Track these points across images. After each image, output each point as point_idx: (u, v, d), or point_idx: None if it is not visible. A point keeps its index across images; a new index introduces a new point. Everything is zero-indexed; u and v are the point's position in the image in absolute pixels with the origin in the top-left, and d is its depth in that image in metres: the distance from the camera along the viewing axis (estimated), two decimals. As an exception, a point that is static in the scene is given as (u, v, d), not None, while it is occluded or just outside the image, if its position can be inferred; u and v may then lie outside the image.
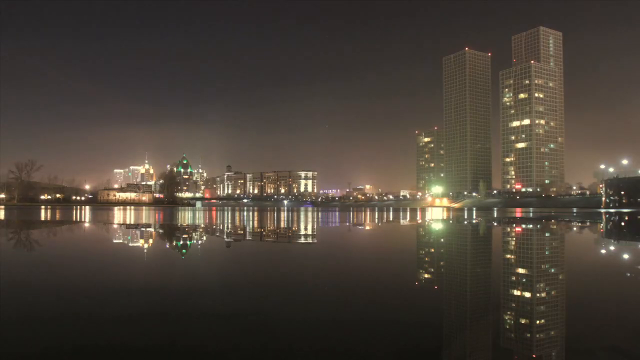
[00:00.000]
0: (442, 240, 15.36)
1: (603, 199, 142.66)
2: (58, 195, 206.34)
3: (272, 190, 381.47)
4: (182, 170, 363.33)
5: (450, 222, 29.40)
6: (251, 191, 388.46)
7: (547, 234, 17.88)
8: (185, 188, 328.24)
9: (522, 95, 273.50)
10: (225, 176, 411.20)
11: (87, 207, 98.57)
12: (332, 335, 3.80)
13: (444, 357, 3.43)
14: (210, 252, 10.87)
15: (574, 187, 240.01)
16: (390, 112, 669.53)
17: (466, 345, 3.72)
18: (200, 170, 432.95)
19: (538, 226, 23.20)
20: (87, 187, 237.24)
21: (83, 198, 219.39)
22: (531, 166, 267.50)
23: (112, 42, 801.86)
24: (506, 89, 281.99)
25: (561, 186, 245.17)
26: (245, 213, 50.42)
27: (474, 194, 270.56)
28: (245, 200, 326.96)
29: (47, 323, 4.12)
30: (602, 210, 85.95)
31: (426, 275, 7.30)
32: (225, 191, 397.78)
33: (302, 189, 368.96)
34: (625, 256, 10.44)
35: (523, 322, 4.50)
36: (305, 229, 20.34)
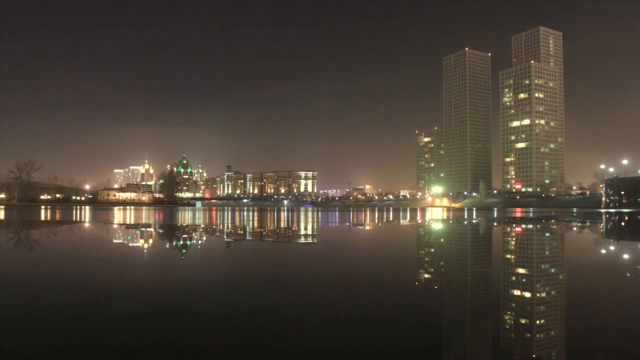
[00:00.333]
0: (442, 240, 15.36)
1: (603, 199, 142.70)
2: (58, 195, 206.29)
3: (272, 190, 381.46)
4: (182, 170, 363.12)
5: (450, 222, 29.40)
6: (251, 191, 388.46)
7: (547, 234, 17.88)
8: (185, 188, 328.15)
9: (522, 95, 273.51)
10: (225, 176, 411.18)
11: (87, 207, 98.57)
12: (332, 335, 3.80)
13: (444, 357, 3.43)
14: (210, 252, 10.87)
15: (574, 187, 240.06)
16: (390, 112, 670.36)
17: (466, 345, 3.72)
18: (200, 170, 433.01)
19: (538, 226, 23.20)
20: (87, 187, 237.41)
21: (83, 198, 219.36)
22: (531, 166, 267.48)
23: (112, 43, 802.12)
24: (506, 89, 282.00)
25: (561, 186, 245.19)
26: (245, 213, 50.42)
27: (474, 194, 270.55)
28: (245, 200, 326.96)
29: (47, 323, 4.12)
30: (602, 210, 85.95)
31: (426, 275, 7.30)
32: (225, 191, 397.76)
33: (302, 189, 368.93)
34: (625, 256, 10.44)
35: (523, 322, 4.50)
36: (305, 229, 20.34)
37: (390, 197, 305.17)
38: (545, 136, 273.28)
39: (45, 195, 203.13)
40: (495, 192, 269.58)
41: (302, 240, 14.44)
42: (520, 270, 7.90)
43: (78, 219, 30.43)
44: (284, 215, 42.44)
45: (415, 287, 6.29)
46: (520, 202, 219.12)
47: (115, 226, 21.41)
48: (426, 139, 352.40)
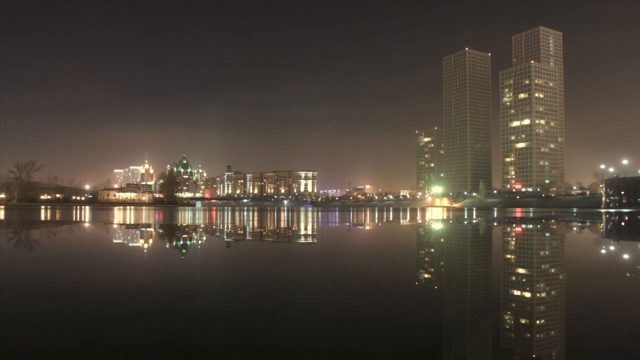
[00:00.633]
0: (442, 240, 15.36)
1: (603, 199, 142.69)
2: (58, 195, 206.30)
3: (272, 190, 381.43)
4: (182, 170, 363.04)
5: (450, 222, 29.40)
6: (251, 191, 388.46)
7: (547, 234, 17.88)
8: (185, 188, 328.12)
9: (522, 95, 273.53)
10: (225, 176, 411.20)
11: (87, 207, 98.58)
12: (333, 335, 3.80)
13: (444, 356, 3.43)
14: (210, 252, 10.87)
15: (574, 187, 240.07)
16: (390, 112, 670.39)
17: (466, 345, 3.71)
18: (200, 170, 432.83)
19: (538, 226, 23.20)
20: (87, 187, 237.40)
21: (83, 198, 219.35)
22: (531, 166, 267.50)
23: (112, 43, 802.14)
24: (506, 89, 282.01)
25: (561, 186, 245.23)
26: (245, 213, 50.42)
27: (474, 194, 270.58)
28: (245, 200, 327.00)
29: (47, 322, 4.12)
30: (602, 210, 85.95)
31: (426, 275, 7.30)
32: (225, 191, 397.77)
33: (302, 189, 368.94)
34: (625, 256, 10.44)
35: (523, 322, 4.50)
36: (305, 229, 20.34)
37: (390, 197, 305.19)
38: (545, 136, 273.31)
39: (45, 195, 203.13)
40: (495, 192, 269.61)
41: (302, 240, 14.44)
42: (520, 270, 7.90)
43: (78, 219, 30.43)
44: (284, 215, 42.45)
45: (415, 287, 6.28)
46: (520, 202, 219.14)
47: (115, 226, 21.41)
48: (426, 139, 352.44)
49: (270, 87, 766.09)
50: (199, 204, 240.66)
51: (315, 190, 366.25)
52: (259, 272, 7.39)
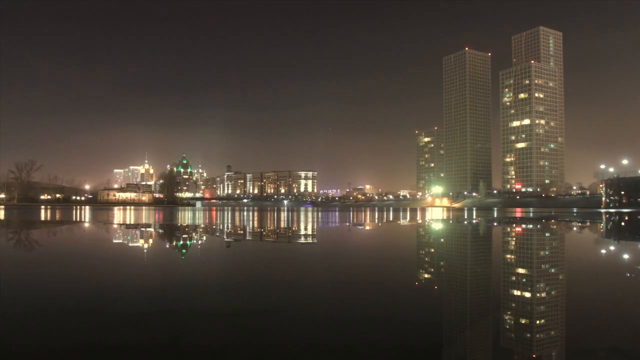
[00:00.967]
0: (442, 240, 15.36)
1: (603, 199, 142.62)
2: (58, 195, 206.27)
3: (272, 190, 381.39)
4: (182, 170, 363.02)
5: (450, 222, 29.40)
6: (251, 191, 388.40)
7: (547, 234, 17.88)
8: (185, 188, 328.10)
9: (522, 95, 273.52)
10: (225, 176, 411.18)
11: (87, 207, 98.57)
12: (333, 335, 3.80)
13: (444, 356, 3.43)
14: (210, 252, 10.87)
15: (574, 187, 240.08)
16: (390, 112, 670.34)
17: (466, 345, 3.71)
18: (200, 170, 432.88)
19: (538, 226, 23.19)
20: (87, 187, 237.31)
21: (83, 198, 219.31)
22: (531, 166, 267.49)
23: (112, 42, 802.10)
24: (506, 89, 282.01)
25: (561, 186, 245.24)
26: (245, 213, 50.42)
27: (474, 194, 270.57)
28: (245, 200, 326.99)
29: (48, 322, 4.12)
30: (602, 210, 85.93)
31: (426, 275, 7.30)
32: (225, 191, 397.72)
33: (302, 189, 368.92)
34: (625, 256, 10.44)
35: (523, 322, 4.50)
36: (305, 229, 20.34)
37: (390, 197, 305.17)
38: (545, 136, 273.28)
39: (45, 195, 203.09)
40: (495, 192, 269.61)
41: (302, 240, 14.44)
42: (520, 270, 7.90)
43: (78, 219, 30.43)
44: (284, 215, 42.44)
45: (415, 287, 6.28)
46: (520, 202, 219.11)
47: (115, 226, 21.41)
48: (426, 139, 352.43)
49: (270, 87, 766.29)
50: (199, 204, 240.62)
51: (315, 190, 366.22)
52: (259, 272, 7.39)
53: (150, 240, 13.57)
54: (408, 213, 55.09)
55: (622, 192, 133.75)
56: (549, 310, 5.05)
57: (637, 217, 42.32)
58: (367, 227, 22.42)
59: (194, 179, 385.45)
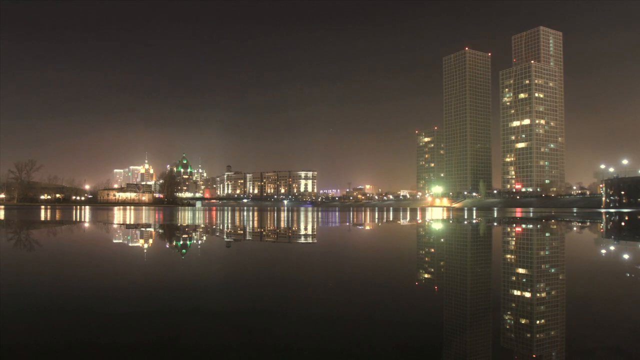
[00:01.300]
0: (442, 240, 15.35)
1: (603, 198, 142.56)
2: (58, 195, 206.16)
3: (272, 190, 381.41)
4: (182, 170, 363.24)
5: (450, 222, 29.39)
6: (251, 191, 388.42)
7: (547, 234, 17.87)
8: (185, 188, 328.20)
9: (522, 95, 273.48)
10: (225, 176, 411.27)
11: (87, 207, 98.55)
12: (333, 335, 3.80)
13: (444, 356, 3.43)
14: (210, 252, 10.86)
15: (574, 187, 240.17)
16: (390, 112, 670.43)
17: (466, 345, 3.72)
18: (200, 170, 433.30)
19: (538, 226, 23.19)
20: (87, 187, 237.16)
21: (83, 198, 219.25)
22: (531, 166, 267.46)
23: (112, 42, 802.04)
24: (506, 89, 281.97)
25: (561, 186, 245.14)
26: (245, 213, 50.40)
27: (474, 194, 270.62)
28: (245, 200, 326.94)
29: (48, 322, 4.13)
30: (602, 210, 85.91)
31: (426, 275, 7.29)
32: (225, 191, 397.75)
33: (302, 189, 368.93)
34: (625, 256, 10.44)
35: (523, 322, 4.50)
36: (305, 229, 20.33)
37: (390, 197, 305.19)
38: (545, 136, 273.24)
39: (45, 195, 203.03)
40: (495, 192, 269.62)
41: (302, 240, 14.43)
42: (521, 270, 7.89)
43: (78, 219, 30.42)
44: (283, 215, 42.44)
45: (416, 287, 6.28)
46: (521, 202, 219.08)
47: (115, 226, 21.40)
48: (426, 139, 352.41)
49: (270, 87, 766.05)
50: (199, 204, 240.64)
51: (315, 190, 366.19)
52: (259, 271, 7.39)
53: (150, 241, 13.56)
54: (408, 213, 55.08)
55: (622, 192, 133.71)
56: (549, 310, 5.05)
57: (637, 217, 42.31)
58: (367, 227, 22.42)
59: (194, 179, 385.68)
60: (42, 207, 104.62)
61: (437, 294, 5.80)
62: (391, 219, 34.55)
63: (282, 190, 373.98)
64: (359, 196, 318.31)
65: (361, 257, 9.77)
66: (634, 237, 17.16)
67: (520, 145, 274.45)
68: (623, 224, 27.87)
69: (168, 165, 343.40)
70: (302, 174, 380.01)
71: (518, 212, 59.76)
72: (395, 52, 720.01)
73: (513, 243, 13.66)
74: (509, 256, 10.19)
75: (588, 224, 26.69)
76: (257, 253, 10.89)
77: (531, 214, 49.48)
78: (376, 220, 31.44)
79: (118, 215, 37.76)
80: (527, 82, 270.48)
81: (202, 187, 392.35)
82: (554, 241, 14.50)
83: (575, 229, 21.89)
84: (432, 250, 11.71)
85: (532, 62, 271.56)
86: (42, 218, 32.15)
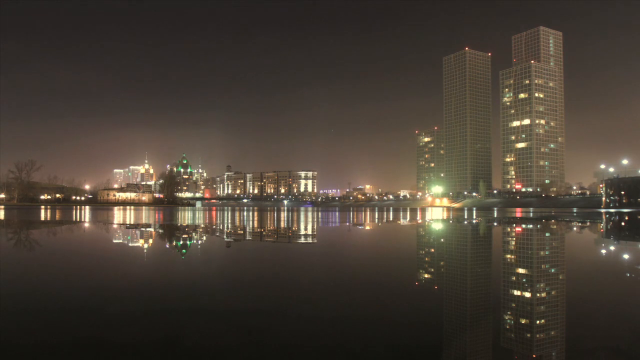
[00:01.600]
0: (442, 240, 15.35)
1: (603, 199, 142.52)
2: (58, 195, 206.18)
3: (272, 190, 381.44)
4: (182, 170, 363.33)
5: (450, 222, 29.39)
6: (251, 191, 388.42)
7: (547, 234, 17.87)
8: (185, 188, 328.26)
9: (522, 95, 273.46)
10: (225, 176, 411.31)
11: (87, 207, 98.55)
12: (332, 335, 3.80)
13: (444, 356, 3.43)
14: (210, 252, 10.86)
15: (574, 187, 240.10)
16: (390, 112, 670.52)
17: (466, 345, 3.72)
18: (200, 170, 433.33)
19: (538, 226, 23.19)
20: (87, 187, 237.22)
21: (83, 198, 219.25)
22: (531, 166, 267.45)
23: (113, 42, 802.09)
24: (506, 89, 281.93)
25: (561, 186, 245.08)
26: (245, 213, 50.40)
27: (474, 194, 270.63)
28: (245, 200, 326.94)
29: (47, 321, 4.13)
30: (603, 210, 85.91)
31: (426, 275, 7.29)
32: (225, 191, 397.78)
33: (302, 189, 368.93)
34: (625, 256, 10.44)
35: (523, 322, 4.50)
36: (305, 229, 20.33)
37: (390, 197, 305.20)
38: (545, 136, 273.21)
39: (45, 195, 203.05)
40: (495, 192, 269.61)
41: (302, 240, 14.43)
42: (521, 270, 7.89)
43: (78, 219, 30.42)
44: (283, 215, 42.44)
45: (416, 287, 6.28)
46: (521, 202, 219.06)
47: (115, 226, 21.40)
48: (426, 139, 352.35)
49: (270, 87, 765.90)
50: (199, 204, 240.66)
51: (315, 190, 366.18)
52: (259, 271, 7.38)
53: (150, 241, 13.56)
54: (408, 213, 55.08)
55: (622, 192, 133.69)
56: (549, 310, 5.04)
57: (637, 217, 42.31)
58: (367, 228, 22.42)
59: (194, 179, 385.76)
60: (42, 207, 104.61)
61: (437, 293, 5.80)
62: (391, 219, 34.54)
63: (282, 190, 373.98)
64: (359, 196, 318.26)
65: (361, 257, 9.77)
66: (634, 237, 17.15)
67: (520, 145, 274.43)
68: (623, 224, 27.87)
69: (168, 165, 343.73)
70: (302, 174, 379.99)
71: (518, 212, 59.76)
72: (395, 52, 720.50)
73: (513, 243, 13.66)
74: (509, 256, 10.18)
75: (588, 224, 26.69)
76: (257, 253, 10.89)
77: (531, 214, 49.48)
78: (376, 220, 31.44)
79: (118, 216, 37.76)
80: (527, 82, 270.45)
81: (202, 187, 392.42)
82: (554, 241, 14.49)
83: (575, 229, 21.89)
84: (432, 250, 11.71)
85: (532, 62, 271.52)
86: (42, 218, 32.15)
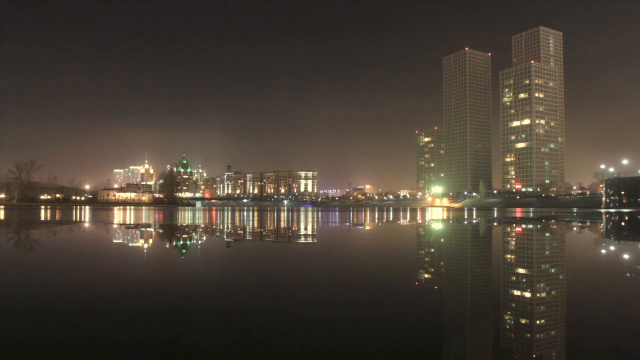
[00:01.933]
0: (442, 240, 15.34)
1: (603, 198, 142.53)
2: (58, 195, 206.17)
3: (272, 190, 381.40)
4: (182, 170, 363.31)
5: (450, 222, 29.39)
6: (251, 191, 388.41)
7: (547, 234, 17.87)
8: (185, 188, 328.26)
9: (522, 95, 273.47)
10: (225, 176, 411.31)
11: (87, 207, 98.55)
12: (332, 335, 3.80)
13: (444, 356, 3.43)
14: (210, 252, 10.86)
15: (574, 187, 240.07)
16: (390, 112, 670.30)
17: (466, 345, 3.72)
18: (200, 170, 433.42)
19: (538, 226, 23.18)
20: (87, 187, 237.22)
21: (83, 198, 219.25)
22: (531, 166, 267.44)
23: (113, 42, 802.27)
24: (506, 89, 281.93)
25: (561, 186, 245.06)
26: (245, 213, 50.40)
27: (474, 194, 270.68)
28: (245, 200, 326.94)
29: (47, 321, 4.13)
30: (603, 210, 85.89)
31: (426, 275, 7.29)
32: (225, 191, 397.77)
33: (302, 189, 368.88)
34: (625, 256, 10.43)
35: (523, 322, 4.49)
36: (305, 229, 20.33)
37: (390, 197, 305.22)
38: (545, 136, 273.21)
39: (45, 195, 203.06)
40: (495, 192, 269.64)
41: (302, 240, 14.43)
42: (521, 271, 7.89)
43: (78, 219, 30.42)
44: (283, 215, 42.43)
45: (416, 287, 6.28)
46: (521, 202, 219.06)
47: (115, 226, 21.40)
48: (426, 139, 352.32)
49: (270, 87, 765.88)
50: (199, 204, 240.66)
51: (315, 190, 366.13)
52: (259, 271, 7.38)
53: (150, 241, 13.56)
54: (408, 213, 55.08)
55: (622, 192, 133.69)
56: (549, 310, 5.04)
57: (637, 217, 42.30)
58: (367, 227, 22.41)
59: (194, 179, 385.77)
60: (42, 207, 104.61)
61: (437, 293, 5.80)
62: (391, 219, 34.54)
63: (282, 190, 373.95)
64: (359, 196, 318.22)
65: (361, 257, 9.77)
66: (634, 237, 17.15)
67: (520, 145, 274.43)
68: (623, 224, 27.87)
69: (168, 165, 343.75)
70: (302, 174, 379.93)
71: (518, 212, 59.76)
72: (396, 52, 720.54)
73: (513, 243, 13.66)
74: (509, 256, 10.18)
75: (588, 224, 26.69)
76: (257, 253, 10.89)
77: (531, 214, 49.48)
78: (376, 220, 31.44)
79: (118, 215, 37.76)
80: (527, 82, 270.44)
81: (202, 187, 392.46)
82: (554, 241, 14.49)
83: (575, 229, 21.89)
84: (432, 250, 11.71)
85: (532, 62, 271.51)
86: (42, 218, 32.15)
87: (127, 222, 25.53)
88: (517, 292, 5.95)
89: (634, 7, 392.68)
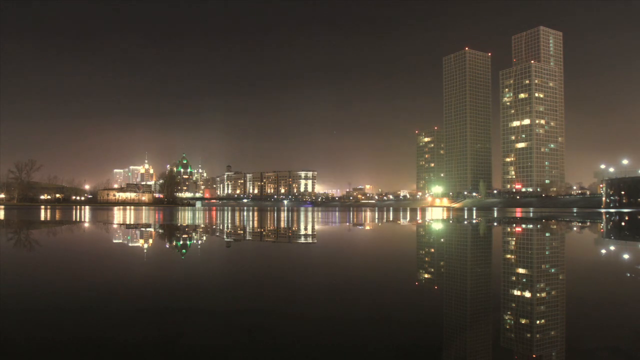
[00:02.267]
0: (442, 240, 15.34)
1: (603, 199, 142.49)
2: (58, 195, 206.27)
3: (272, 190, 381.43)
4: (182, 170, 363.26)
5: (450, 222, 29.39)
6: (251, 191, 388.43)
7: (547, 234, 17.87)
8: (185, 188, 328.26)
9: (522, 95, 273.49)
10: (225, 176, 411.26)
11: (87, 207, 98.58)
12: (332, 335, 3.80)
13: (444, 356, 3.43)
14: (210, 252, 10.86)
15: (574, 187, 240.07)
16: (390, 112, 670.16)
17: (466, 345, 3.72)
18: (200, 170, 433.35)
19: (538, 226, 23.18)
20: (87, 187, 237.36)
21: (83, 198, 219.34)
22: (531, 166, 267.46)
23: (113, 42, 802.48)
24: (506, 89, 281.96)
25: (561, 186, 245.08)
26: (245, 213, 50.40)
27: (474, 194, 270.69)
28: (245, 200, 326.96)
29: (47, 321, 4.13)
30: (603, 210, 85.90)
31: (426, 275, 7.29)
32: (225, 191, 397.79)
33: (302, 189, 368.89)
34: (625, 256, 10.44)
35: (523, 322, 4.50)
36: (305, 229, 20.33)
37: (390, 197, 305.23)
38: (546, 136, 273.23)
39: (45, 195, 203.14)
40: (495, 192, 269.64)
41: (302, 240, 14.43)
42: (521, 271, 7.89)
43: (78, 219, 30.43)
44: (283, 215, 42.44)
45: (416, 286, 6.28)
46: (521, 202, 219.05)
47: (115, 226, 21.40)
48: (426, 139, 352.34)
49: (270, 87, 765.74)
50: (199, 204, 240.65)
51: (315, 190, 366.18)
52: (259, 271, 7.39)
53: (150, 241, 13.56)
54: (408, 213, 55.08)
55: (623, 192, 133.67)
56: (549, 310, 5.05)
57: (637, 217, 42.31)
58: (367, 227, 22.41)
59: (194, 179, 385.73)
60: (42, 207, 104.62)
61: (437, 293, 5.80)
62: (391, 219, 34.54)
63: (282, 190, 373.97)
64: (359, 196, 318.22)
65: (361, 257, 9.77)
66: (634, 237, 17.15)
67: (520, 145, 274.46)
68: (623, 224, 27.87)
69: (168, 165, 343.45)
70: (302, 174, 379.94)
71: (518, 212, 59.76)
72: (395, 52, 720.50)
73: (513, 243, 13.66)
74: (509, 256, 10.18)
75: (588, 224, 26.69)
76: (257, 253, 10.89)
77: (531, 214, 49.48)
78: (376, 220, 31.44)
79: (118, 215, 37.76)
80: (527, 82, 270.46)
81: (202, 187, 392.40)
82: (554, 241, 14.49)
83: (575, 229, 21.89)
84: (432, 250, 11.71)
85: (532, 62, 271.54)
86: (42, 218, 32.15)
87: (127, 222, 25.53)
88: (517, 292, 5.95)
89: (634, 7, 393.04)
